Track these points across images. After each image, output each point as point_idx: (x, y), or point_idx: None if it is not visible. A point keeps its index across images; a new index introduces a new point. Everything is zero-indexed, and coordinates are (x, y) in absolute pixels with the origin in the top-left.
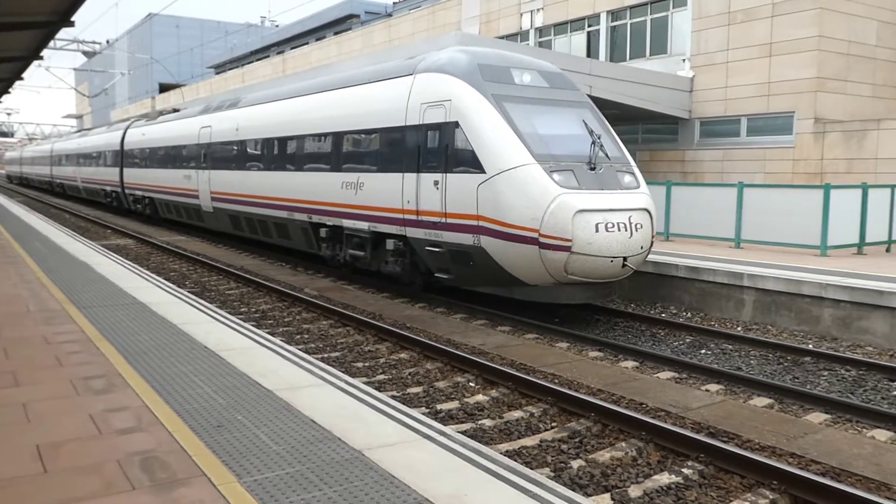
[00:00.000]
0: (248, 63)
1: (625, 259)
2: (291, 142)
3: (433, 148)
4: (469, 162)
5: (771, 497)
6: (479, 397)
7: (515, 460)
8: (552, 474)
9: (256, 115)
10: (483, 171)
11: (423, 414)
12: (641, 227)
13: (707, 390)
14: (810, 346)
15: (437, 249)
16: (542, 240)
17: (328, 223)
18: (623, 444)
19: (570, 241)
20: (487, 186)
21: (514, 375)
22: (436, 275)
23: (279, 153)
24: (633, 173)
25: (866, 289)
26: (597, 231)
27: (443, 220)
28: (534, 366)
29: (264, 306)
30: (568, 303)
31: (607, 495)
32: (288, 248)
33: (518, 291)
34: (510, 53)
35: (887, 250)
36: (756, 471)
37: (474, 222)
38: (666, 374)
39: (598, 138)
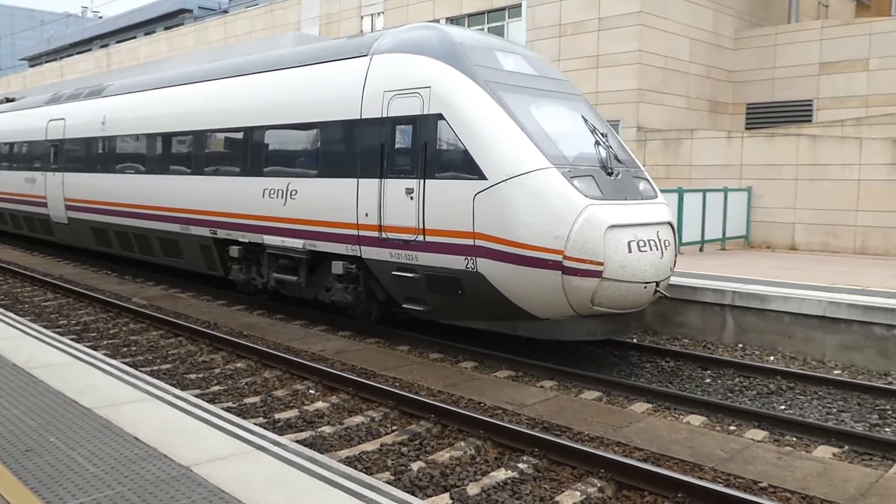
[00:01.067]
0: (68, 56)
1: (657, 284)
2: (187, 139)
3: (404, 147)
4: (460, 165)
5: (598, 485)
6: (319, 404)
7: (355, 466)
8: (392, 478)
9: (134, 105)
10: (482, 177)
11: (260, 424)
12: (669, 244)
13: (542, 387)
14: (635, 339)
15: (410, 275)
16: (566, 263)
17: (241, 240)
18: (462, 443)
19: (601, 264)
20: (489, 197)
21: (354, 381)
22: (404, 306)
23: (168, 153)
24: (647, 179)
25: (683, 285)
26: (629, 251)
27: (418, 237)
28: (375, 370)
29: (86, 318)
30: (588, 339)
31: (446, 495)
32: (181, 269)
33: (524, 327)
34: (485, 34)
35: (722, 248)
36: (585, 461)
37: (468, 241)
38: (504, 373)
39: (605, 137)
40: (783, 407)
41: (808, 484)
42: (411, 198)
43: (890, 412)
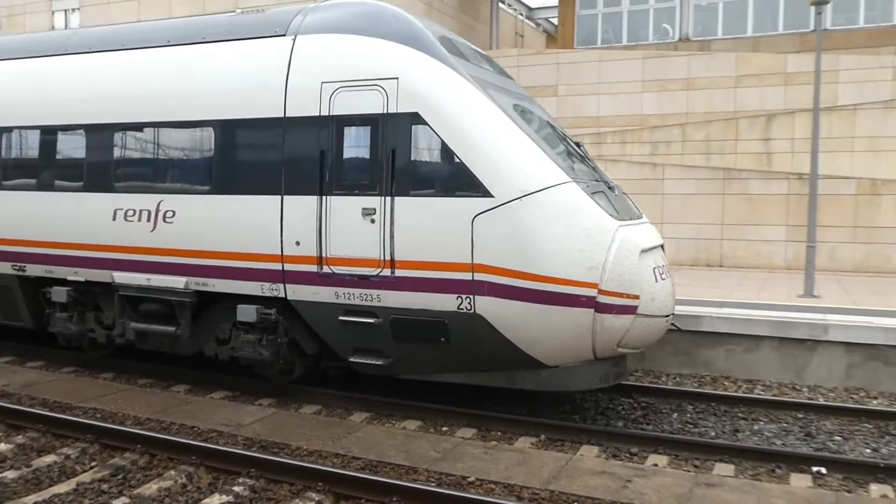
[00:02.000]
0: None
1: (671, 315)
2: None
3: (357, 156)
4: (449, 179)
5: (317, 498)
6: (2, 447)
7: None
8: None
9: None
10: (484, 194)
11: None
12: (667, 268)
13: (260, 404)
14: None
15: (366, 320)
16: (601, 299)
17: (72, 278)
18: (172, 472)
19: (637, 297)
20: (497, 218)
21: (45, 416)
22: (351, 360)
23: None
24: (627, 194)
25: None
26: (655, 280)
27: (382, 272)
28: (72, 402)
29: None
30: (600, 387)
31: None
32: None
33: (526, 378)
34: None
35: None
36: (303, 476)
37: (462, 275)
38: (219, 394)
39: (579, 146)
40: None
41: (510, 473)
42: (372, 220)
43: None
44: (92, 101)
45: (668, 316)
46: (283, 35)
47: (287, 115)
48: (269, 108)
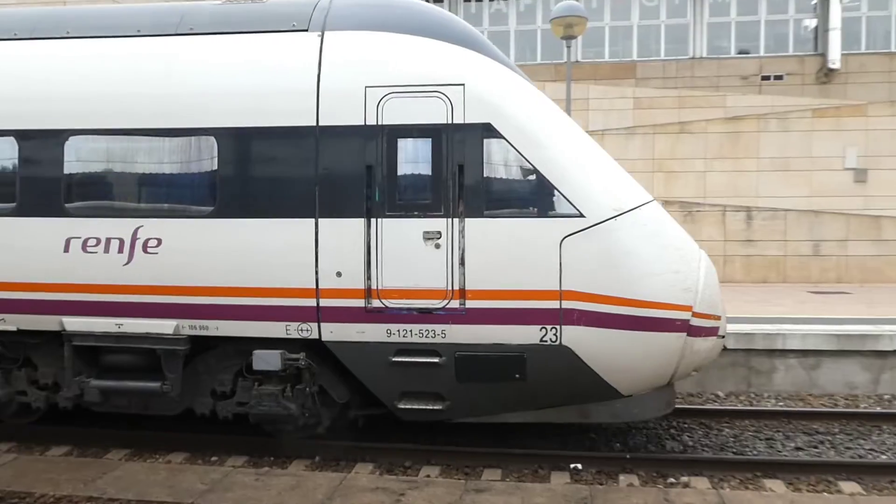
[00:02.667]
0: None
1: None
2: None
3: (416, 172)
4: (530, 198)
5: None
6: None
7: None
8: None
9: None
10: (575, 214)
11: None
12: None
13: None
14: None
15: (425, 360)
16: (694, 322)
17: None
18: None
19: (719, 318)
20: (590, 240)
21: None
22: (399, 406)
23: None
24: None
25: None
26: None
27: (450, 303)
28: None
29: None
30: (652, 417)
31: None
32: None
33: (600, 411)
34: None
35: None
36: None
37: (548, 304)
38: None
39: None
40: None
41: (283, 499)
42: (436, 245)
43: None
44: (35, 101)
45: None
46: (306, 30)
47: (321, 124)
48: (296, 116)
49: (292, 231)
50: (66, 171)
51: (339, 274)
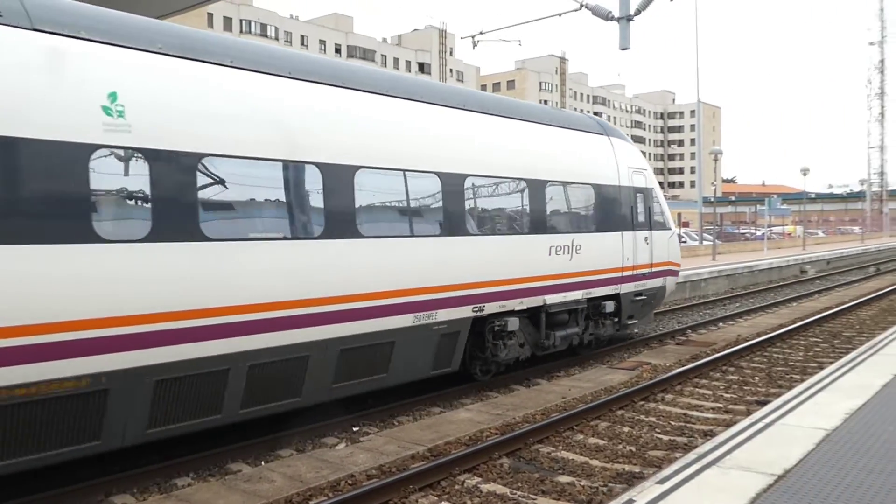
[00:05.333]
0: None
1: None
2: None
3: (632, 208)
4: (661, 221)
5: None
6: None
7: None
8: None
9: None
10: (670, 229)
11: None
12: None
13: None
14: None
15: (642, 298)
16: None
17: (517, 307)
18: None
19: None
20: (673, 239)
21: None
22: (628, 321)
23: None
24: None
25: None
26: None
27: (651, 270)
28: None
29: None
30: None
31: None
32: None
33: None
34: None
35: None
36: None
37: (668, 267)
38: None
39: None
40: None
41: None
42: (646, 241)
43: None
44: (528, 161)
45: None
46: (604, 135)
47: (619, 184)
48: (613, 178)
49: (616, 239)
50: (548, 207)
51: (627, 259)
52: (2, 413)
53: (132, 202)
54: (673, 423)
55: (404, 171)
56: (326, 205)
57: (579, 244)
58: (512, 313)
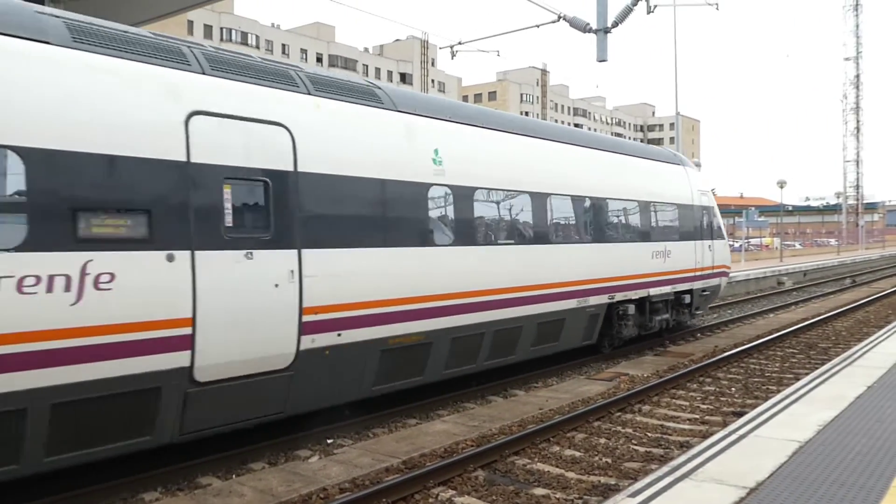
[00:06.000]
0: None
1: None
2: (591, 205)
3: (706, 221)
4: (719, 231)
5: None
6: None
7: None
8: None
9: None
10: (723, 237)
11: None
12: None
13: None
14: None
15: (705, 293)
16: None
17: (634, 297)
18: None
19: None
20: (726, 245)
21: None
22: (697, 311)
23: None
24: None
25: None
26: None
27: (710, 272)
28: None
29: None
30: None
31: None
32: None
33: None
34: None
35: None
36: None
37: (722, 269)
38: None
39: None
40: None
41: None
42: (710, 248)
43: None
44: (636, 187)
45: None
46: (680, 164)
47: (693, 203)
48: (689, 199)
49: (691, 246)
50: (652, 220)
51: (697, 262)
52: (390, 353)
53: (447, 222)
54: (650, 434)
55: (572, 196)
56: (534, 220)
57: (669, 250)
58: (630, 301)
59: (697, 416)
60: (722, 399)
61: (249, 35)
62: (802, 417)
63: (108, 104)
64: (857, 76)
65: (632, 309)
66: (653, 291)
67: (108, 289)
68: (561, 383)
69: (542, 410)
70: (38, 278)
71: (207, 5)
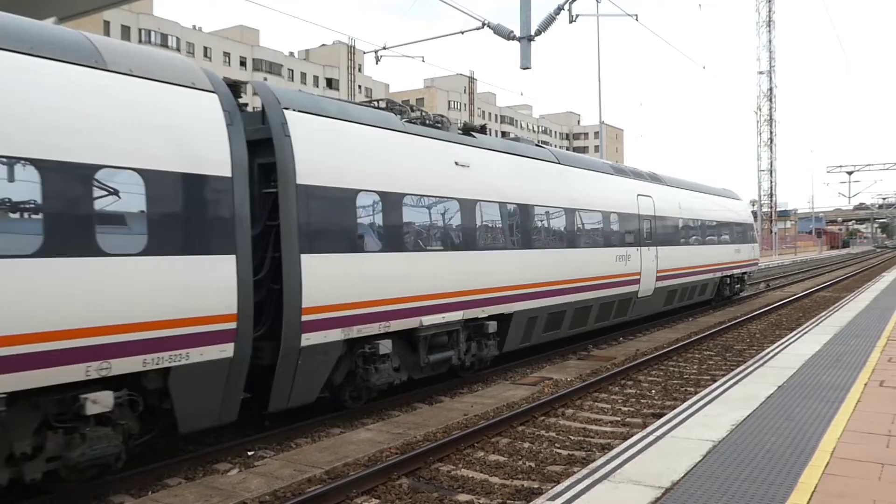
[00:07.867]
0: None
1: None
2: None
3: (749, 232)
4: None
5: None
6: None
7: None
8: None
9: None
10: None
11: None
12: None
13: None
14: None
15: (736, 281)
16: None
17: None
18: None
19: None
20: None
21: None
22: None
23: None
24: None
25: None
26: None
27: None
28: None
29: None
30: None
31: None
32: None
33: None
34: None
35: None
36: None
37: (752, 266)
38: None
39: None
40: None
41: None
42: (737, 251)
43: None
44: (713, 211)
45: None
46: (735, 198)
47: (742, 221)
48: (738, 219)
49: (741, 246)
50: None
51: (745, 256)
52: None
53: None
54: (573, 437)
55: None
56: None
57: (736, 248)
58: (729, 276)
59: (619, 419)
60: (642, 401)
61: (170, 37)
62: (717, 417)
63: None
64: (771, 89)
65: (714, 284)
66: (731, 272)
67: None
68: (486, 389)
69: (467, 416)
70: None
71: (124, 5)
